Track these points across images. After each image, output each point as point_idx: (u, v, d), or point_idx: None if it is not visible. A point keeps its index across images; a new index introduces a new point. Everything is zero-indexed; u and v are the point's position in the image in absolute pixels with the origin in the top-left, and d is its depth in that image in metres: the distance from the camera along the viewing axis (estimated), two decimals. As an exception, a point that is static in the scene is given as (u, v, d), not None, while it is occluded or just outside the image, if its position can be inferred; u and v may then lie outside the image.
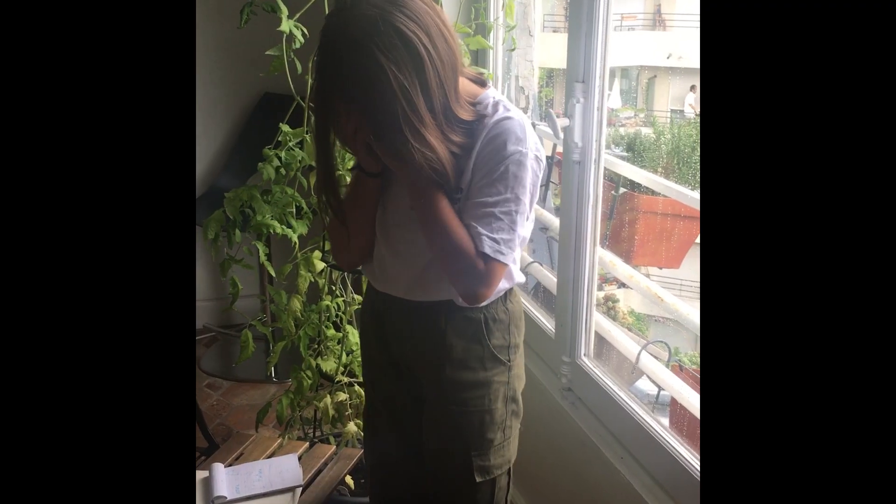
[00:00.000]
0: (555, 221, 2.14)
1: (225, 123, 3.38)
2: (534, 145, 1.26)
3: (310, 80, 1.90)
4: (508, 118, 1.25)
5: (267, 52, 1.90)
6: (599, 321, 1.91)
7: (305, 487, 1.70)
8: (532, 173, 1.27)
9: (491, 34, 2.13)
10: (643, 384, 2.13)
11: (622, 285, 2.20)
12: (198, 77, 3.26)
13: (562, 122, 1.74)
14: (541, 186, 2.33)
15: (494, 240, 1.24)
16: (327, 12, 1.17)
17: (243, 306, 3.35)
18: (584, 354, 1.86)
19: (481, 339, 1.37)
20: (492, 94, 1.28)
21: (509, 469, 1.46)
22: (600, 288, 2.30)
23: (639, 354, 1.84)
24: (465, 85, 1.25)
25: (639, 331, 2.42)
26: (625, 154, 2.07)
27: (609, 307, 2.33)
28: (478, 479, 1.41)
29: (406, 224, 1.31)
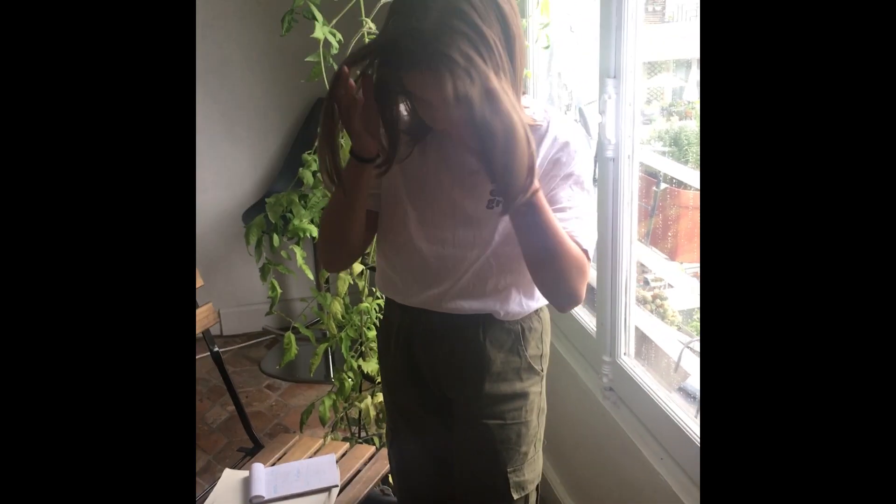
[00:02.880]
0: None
1: (281, 130, 3.46)
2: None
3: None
4: (569, 122, 1.26)
5: (306, 59, 1.93)
6: (643, 319, 1.88)
7: (343, 487, 1.72)
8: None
9: (529, 32, 2.12)
10: (695, 382, 2.09)
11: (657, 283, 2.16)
12: (251, 86, 3.36)
13: (595, 118, 1.73)
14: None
15: (590, 241, 1.23)
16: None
17: (301, 309, 3.42)
18: (625, 354, 1.84)
19: (519, 351, 1.35)
20: (530, 100, 1.26)
21: (538, 485, 1.45)
22: (647, 286, 2.26)
23: (681, 353, 1.80)
24: None
25: (690, 329, 2.36)
26: (667, 149, 2.03)
27: (658, 305, 2.29)
28: (515, 497, 1.39)
29: (452, 225, 1.26)
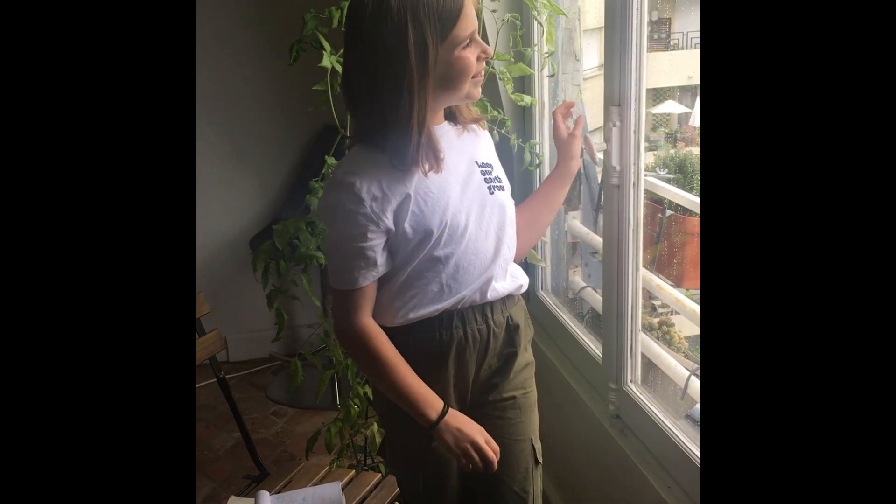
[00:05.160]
0: (605, 246, 2.11)
1: (288, 157, 3.48)
2: None
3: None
4: None
5: (314, 88, 1.95)
6: (650, 346, 1.88)
7: (349, 515, 1.72)
8: None
9: (534, 61, 2.13)
10: (702, 409, 2.09)
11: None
12: (259, 113, 3.39)
13: (600, 146, 1.73)
14: (593, 210, 2.31)
15: None
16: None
17: (307, 336, 3.42)
18: (631, 381, 1.83)
19: (529, 323, 1.50)
20: None
21: None
22: (654, 312, 2.26)
23: (687, 380, 1.80)
24: None
25: (697, 356, 2.36)
26: (670, 176, 2.05)
27: (664, 332, 2.28)
28: (539, 461, 1.49)
29: (475, 220, 1.35)
